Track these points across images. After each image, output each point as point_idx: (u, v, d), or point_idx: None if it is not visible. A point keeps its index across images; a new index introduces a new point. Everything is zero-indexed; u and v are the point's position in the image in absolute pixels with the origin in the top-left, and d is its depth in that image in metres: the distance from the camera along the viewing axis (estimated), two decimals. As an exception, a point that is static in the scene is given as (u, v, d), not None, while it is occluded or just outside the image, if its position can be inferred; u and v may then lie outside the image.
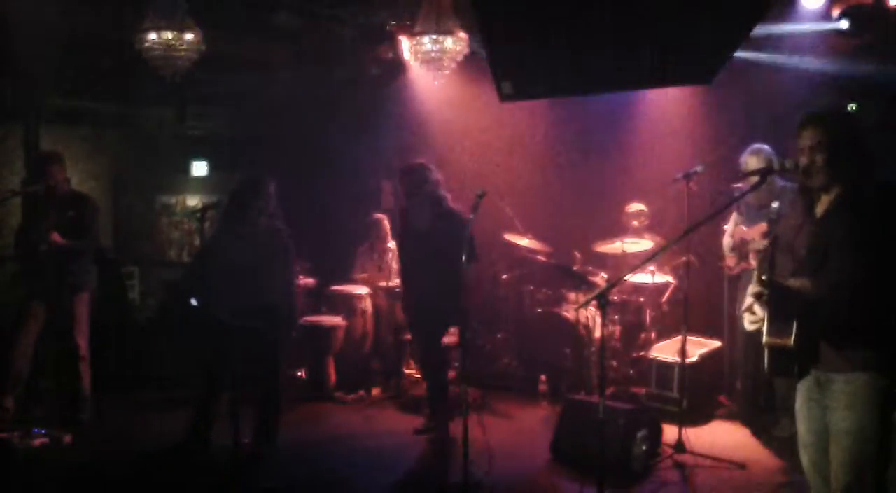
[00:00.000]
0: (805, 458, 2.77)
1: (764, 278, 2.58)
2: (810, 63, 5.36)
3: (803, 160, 2.66)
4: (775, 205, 4.51)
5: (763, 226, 4.68)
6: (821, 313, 2.54)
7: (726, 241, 5.02)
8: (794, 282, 2.60)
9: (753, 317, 2.73)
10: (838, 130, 2.64)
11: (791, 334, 2.55)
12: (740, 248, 4.88)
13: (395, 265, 6.11)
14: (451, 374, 6.06)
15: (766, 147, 4.66)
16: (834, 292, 2.50)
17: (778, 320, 2.59)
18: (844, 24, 5.03)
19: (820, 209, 2.66)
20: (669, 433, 4.55)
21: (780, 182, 4.61)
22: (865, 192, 2.57)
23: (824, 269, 2.55)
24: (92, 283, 5.08)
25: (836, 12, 5.04)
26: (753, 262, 4.77)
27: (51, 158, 5.01)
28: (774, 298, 2.57)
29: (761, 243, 4.68)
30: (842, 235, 2.54)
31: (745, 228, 4.87)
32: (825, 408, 2.63)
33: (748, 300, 2.75)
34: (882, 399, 2.51)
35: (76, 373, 4.97)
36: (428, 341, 4.95)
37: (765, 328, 2.64)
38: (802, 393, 2.75)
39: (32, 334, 4.90)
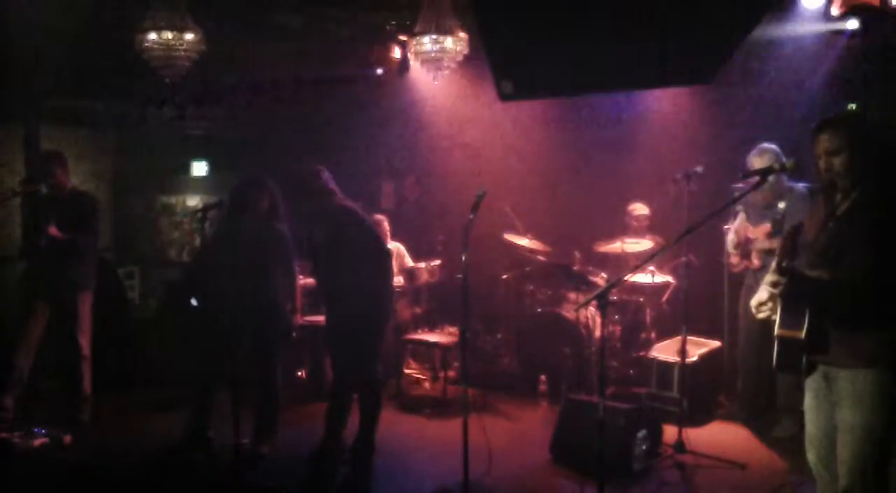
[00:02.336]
0: (812, 455, 2.78)
1: (784, 265, 2.59)
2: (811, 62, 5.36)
3: (821, 164, 2.68)
4: (781, 205, 4.53)
5: (767, 226, 4.68)
6: (833, 304, 2.55)
7: (730, 238, 5.00)
8: (811, 273, 2.62)
9: (764, 307, 2.76)
10: (855, 133, 2.65)
11: (803, 326, 2.57)
12: (744, 246, 4.88)
13: (393, 266, 6.10)
14: (451, 374, 6.07)
15: (772, 146, 4.62)
16: (848, 282, 2.52)
17: (791, 312, 2.62)
18: (850, 24, 5.02)
19: (841, 208, 2.68)
20: (669, 433, 4.55)
21: (786, 182, 4.61)
22: (885, 190, 2.59)
23: (840, 262, 2.57)
24: (93, 282, 5.08)
25: (837, 11, 5.03)
26: (756, 261, 4.77)
27: (53, 158, 5.03)
28: (791, 287, 2.58)
29: (765, 243, 4.68)
30: (860, 232, 2.56)
31: (750, 227, 4.86)
32: (833, 404, 2.64)
33: (761, 293, 2.77)
34: (888, 396, 2.52)
35: (77, 373, 4.97)
36: (354, 352, 4.42)
37: (777, 320, 2.66)
38: (811, 390, 2.77)
39: (35, 333, 4.91)
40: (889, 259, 2.48)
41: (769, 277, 2.68)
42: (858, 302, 2.52)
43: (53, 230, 4.73)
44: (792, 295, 2.61)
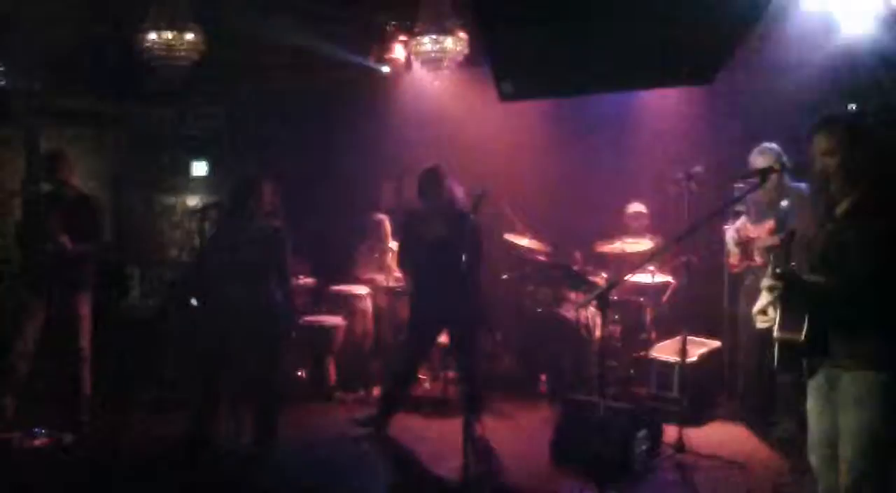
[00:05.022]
0: (814, 457, 2.78)
1: (779, 270, 2.59)
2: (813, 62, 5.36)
3: (817, 165, 2.67)
4: (784, 203, 4.54)
5: (771, 223, 4.68)
6: (833, 307, 2.55)
7: (731, 236, 5.00)
8: (809, 277, 2.61)
9: (765, 317, 2.75)
10: (850, 133, 2.64)
11: (802, 329, 2.56)
12: (745, 245, 4.87)
13: (394, 266, 6.10)
14: (451, 374, 6.07)
15: (773, 146, 4.61)
16: (848, 287, 2.51)
17: (790, 315, 2.61)
18: (851, 24, 5.01)
19: (840, 209, 2.67)
20: (669, 433, 4.55)
21: (789, 182, 4.61)
22: (883, 192, 2.58)
23: (840, 266, 2.56)
24: (91, 282, 5.06)
25: (838, 10, 5.02)
26: (758, 258, 4.77)
27: (57, 157, 4.98)
28: (788, 291, 2.58)
29: (768, 240, 4.68)
30: (860, 235, 2.55)
31: (751, 226, 4.86)
32: (835, 407, 2.64)
33: (762, 300, 2.77)
34: (891, 398, 2.51)
35: (77, 373, 4.95)
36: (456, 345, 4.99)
37: (776, 323, 2.65)
38: (813, 392, 2.76)
39: (32, 333, 4.88)
40: (888, 263, 2.47)
41: (766, 281, 2.68)
42: (859, 306, 2.51)
43: (66, 240, 4.70)
44: (789, 299, 2.61)
